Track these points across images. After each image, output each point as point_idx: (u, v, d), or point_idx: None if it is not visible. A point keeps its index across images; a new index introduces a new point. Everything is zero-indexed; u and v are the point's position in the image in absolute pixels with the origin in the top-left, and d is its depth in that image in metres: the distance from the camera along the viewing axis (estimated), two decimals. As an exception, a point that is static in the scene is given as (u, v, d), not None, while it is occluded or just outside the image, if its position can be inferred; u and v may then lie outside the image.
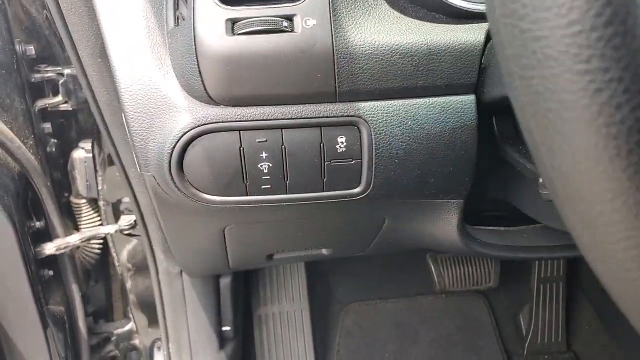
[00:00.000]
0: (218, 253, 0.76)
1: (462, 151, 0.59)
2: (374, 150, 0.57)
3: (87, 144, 1.06)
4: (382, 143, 0.57)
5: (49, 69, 0.97)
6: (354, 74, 0.53)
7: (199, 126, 0.54)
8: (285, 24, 0.51)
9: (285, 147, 0.56)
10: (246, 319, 1.37)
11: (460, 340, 1.47)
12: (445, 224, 0.67)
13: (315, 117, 0.55)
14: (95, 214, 1.11)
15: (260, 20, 0.50)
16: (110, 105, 0.69)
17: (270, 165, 0.56)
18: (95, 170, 1.06)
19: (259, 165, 0.56)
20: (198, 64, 0.52)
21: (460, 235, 0.68)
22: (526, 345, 1.48)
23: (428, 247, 0.74)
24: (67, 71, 0.98)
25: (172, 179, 0.56)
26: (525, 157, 0.56)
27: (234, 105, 0.54)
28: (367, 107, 0.56)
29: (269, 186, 0.58)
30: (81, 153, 1.06)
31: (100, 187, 1.07)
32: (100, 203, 1.09)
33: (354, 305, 1.50)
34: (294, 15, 0.51)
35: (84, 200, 1.10)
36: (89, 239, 1.05)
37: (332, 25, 0.51)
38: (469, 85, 0.57)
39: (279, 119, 0.55)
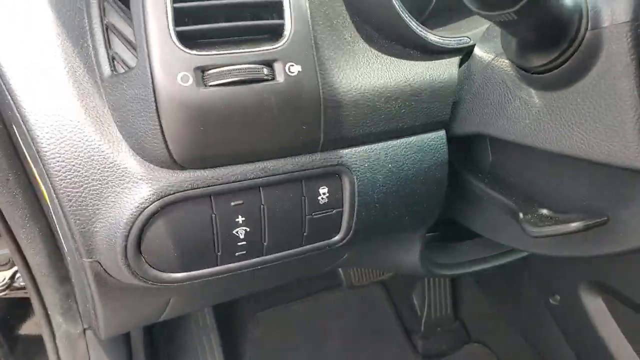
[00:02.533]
0: (153, 314, 0.65)
1: (434, 187, 0.57)
2: (356, 197, 0.52)
3: None
4: (364, 189, 0.52)
5: None
6: (340, 121, 0.48)
7: (161, 198, 0.43)
8: (265, 71, 0.43)
9: (264, 207, 0.48)
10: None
11: (366, 329, 1.52)
12: (408, 254, 0.66)
13: (297, 171, 0.48)
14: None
15: (237, 69, 0.41)
16: None
17: (248, 229, 0.48)
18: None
19: (234, 232, 0.48)
20: (160, 123, 0.41)
21: (421, 261, 0.67)
22: (422, 322, 1.59)
23: (386, 270, 0.73)
24: None
25: (128, 263, 0.45)
26: (501, 193, 0.56)
27: (203, 168, 0.45)
28: (349, 155, 0.51)
29: (244, 252, 0.50)
30: None
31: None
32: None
33: (261, 314, 1.46)
34: (274, 60, 0.43)
35: None
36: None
37: (318, 71, 0.45)
38: (442, 122, 0.55)
39: (257, 178, 0.47)
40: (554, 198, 0.52)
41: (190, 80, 0.40)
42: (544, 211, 0.52)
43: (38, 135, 0.41)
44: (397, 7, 0.48)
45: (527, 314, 1.31)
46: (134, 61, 0.43)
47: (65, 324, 0.81)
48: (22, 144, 0.44)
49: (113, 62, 0.43)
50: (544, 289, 1.31)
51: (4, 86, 0.42)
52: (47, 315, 0.79)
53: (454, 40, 0.53)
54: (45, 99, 0.41)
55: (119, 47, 0.44)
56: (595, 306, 1.16)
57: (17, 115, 0.42)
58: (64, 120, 0.42)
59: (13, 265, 0.88)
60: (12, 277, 0.86)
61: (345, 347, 1.49)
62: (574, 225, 0.46)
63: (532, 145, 0.47)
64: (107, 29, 0.44)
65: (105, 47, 0.43)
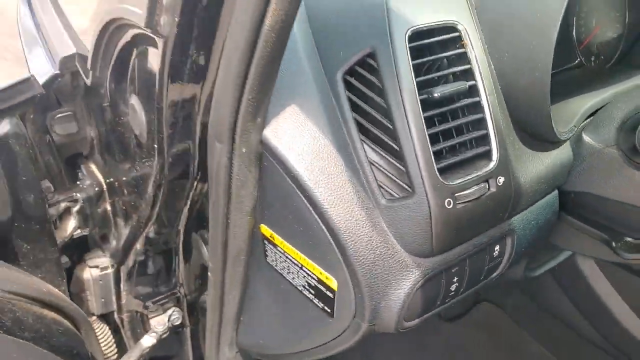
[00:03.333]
0: None
1: (549, 229, 0.82)
2: (514, 248, 0.76)
3: (97, 261, 0.94)
4: (519, 243, 0.76)
5: (61, 198, 0.82)
6: (517, 203, 0.70)
7: (424, 277, 0.64)
8: (485, 186, 0.64)
9: (467, 269, 0.70)
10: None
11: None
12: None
13: (487, 241, 0.71)
14: (108, 330, 1.01)
15: (475, 190, 0.62)
16: None
17: (458, 284, 0.70)
18: (117, 284, 0.96)
19: (450, 287, 0.70)
20: (431, 233, 0.61)
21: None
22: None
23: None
24: (79, 195, 0.85)
25: (397, 326, 0.66)
26: (594, 226, 0.82)
27: (443, 253, 0.66)
28: (514, 221, 0.73)
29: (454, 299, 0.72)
30: (94, 272, 0.94)
31: (124, 300, 0.97)
32: (124, 315, 0.99)
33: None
34: (490, 177, 0.64)
35: (94, 318, 0.99)
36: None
37: (512, 177, 0.66)
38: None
39: (466, 252, 0.68)
40: (635, 230, 0.78)
41: (452, 204, 0.61)
42: (629, 239, 0.78)
43: (348, 245, 0.60)
44: (552, 122, 0.69)
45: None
46: (399, 190, 0.62)
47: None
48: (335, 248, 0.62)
49: (383, 192, 0.62)
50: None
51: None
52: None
53: (569, 132, 0.75)
54: (358, 223, 0.60)
55: (381, 178, 0.62)
56: (589, 268, 1.48)
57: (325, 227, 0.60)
58: (364, 233, 0.61)
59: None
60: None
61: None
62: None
63: (628, 202, 0.73)
64: (371, 164, 0.62)
65: (375, 179, 0.62)
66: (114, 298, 0.97)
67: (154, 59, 0.55)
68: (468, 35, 0.66)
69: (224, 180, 0.59)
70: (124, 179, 0.80)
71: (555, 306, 1.62)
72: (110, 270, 0.95)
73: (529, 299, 1.71)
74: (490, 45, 0.68)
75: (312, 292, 0.69)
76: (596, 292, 1.46)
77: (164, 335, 1.00)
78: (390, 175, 0.62)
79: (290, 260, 0.70)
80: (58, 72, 0.73)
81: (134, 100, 0.65)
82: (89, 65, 0.67)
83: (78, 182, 0.86)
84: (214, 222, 0.68)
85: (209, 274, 0.79)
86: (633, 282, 1.27)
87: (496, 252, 0.73)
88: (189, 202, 0.75)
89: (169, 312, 1.03)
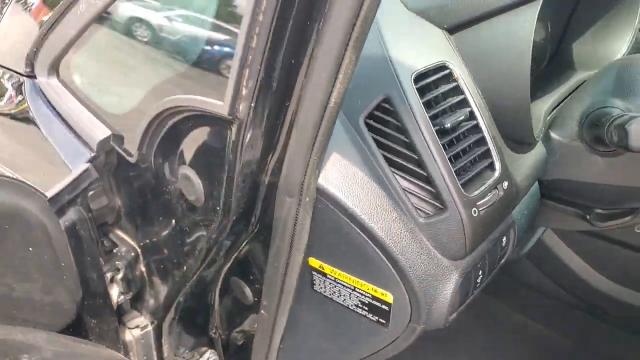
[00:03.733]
0: None
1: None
2: (517, 232, 0.91)
3: (136, 322, 0.98)
4: (519, 226, 0.91)
5: (105, 269, 0.86)
6: (518, 199, 0.85)
7: (462, 276, 0.77)
8: (496, 192, 0.78)
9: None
10: None
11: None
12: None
13: (499, 234, 0.85)
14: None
15: (491, 198, 0.76)
16: None
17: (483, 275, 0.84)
18: (159, 340, 1.00)
19: (477, 280, 0.83)
20: (465, 240, 0.74)
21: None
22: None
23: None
24: (120, 263, 0.89)
25: (445, 323, 0.78)
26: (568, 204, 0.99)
27: (471, 254, 0.79)
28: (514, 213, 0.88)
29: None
30: (135, 333, 0.98)
31: (165, 354, 1.02)
32: (167, 368, 1.03)
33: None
34: (498, 184, 0.78)
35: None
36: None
37: (512, 180, 0.81)
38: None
39: (486, 249, 0.82)
40: (603, 202, 0.96)
41: (477, 212, 0.74)
42: (599, 210, 0.96)
43: (400, 261, 0.71)
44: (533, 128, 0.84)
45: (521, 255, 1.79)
46: (432, 208, 0.74)
47: None
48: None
49: (417, 211, 0.74)
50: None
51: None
52: None
53: (540, 132, 0.91)
54: (405, 241, 0.71)
55: (415, 201, 0.74)
56: (551, 239, 1.69)
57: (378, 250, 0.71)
58: (412, 249, 0.72)
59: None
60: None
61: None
62: (627, 218, 0.91)
63: (595, 182, 0.90)
64: (404, 191, 0.74)
65: (411, 202, 0.74)
66: (154, 354, 1.02)
67: (219, 136, 0.63)
68: (457, 71, 0.79)
69: (291, 227, 0.68)
70: (164, 240, 0.86)
71: (527, 276, 1.82)
72: (150, 328, 0.99)
73: (503, 274, 1.90)
74: (475, 76, 0.82)
75: (366, 308, 0.80)
76: (560, 257, 1.66)
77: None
78: (423, 197, 0.74)
79: (341, 284, 0.79)
80: (96, 153, 0.78)
81: (188, 171, 0.72)
82: (136, 145, 0.73)
83: (115, 250, 0.90)
84: (274, 263, 0.76)
85: (261, 311, 0.87)
86: (592, 243, 1.49)
87: (504, 242, 0.88)
88: (238, 252, 0.83)
89: (206, 355, 1.09)
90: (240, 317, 1.03)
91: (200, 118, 0.65)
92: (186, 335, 1.04)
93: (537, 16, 0.78)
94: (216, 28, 0.59)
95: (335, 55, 0.54)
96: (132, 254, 0.91)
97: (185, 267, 0.86)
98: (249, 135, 0.59)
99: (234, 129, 0.60)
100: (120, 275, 0.89)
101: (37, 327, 0.68)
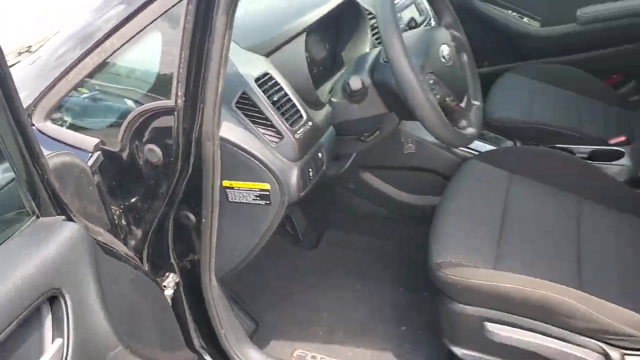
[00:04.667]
0: None
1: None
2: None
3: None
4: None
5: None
6: (321, 133, 1.67)
7: (300, 169, 1.56)
8: (308, 124, 1.59)
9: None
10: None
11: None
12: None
13: (314, 149, 1.67)
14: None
15: (302, 127, 1.57)
16: None
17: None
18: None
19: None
20: (296, 149, 1.53)
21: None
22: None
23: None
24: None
25: (298, 196, 1.56)
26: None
27: (301, 159, 1.58)
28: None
29: None
30: (126, 264, 1.60)
31: (147, 276, 1.64)
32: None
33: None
34: (308, 121, 1.60)
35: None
36: None
37: (313, 121, 1.63)
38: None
39: (310, 157, 1.63)
40: (364, 129, 1.83)
41: (298, 136, 1.54)
42: (366, 134, 1.84)
43: (270, 167, 1.49)
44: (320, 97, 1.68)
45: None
46: (277, 138, 1.52)
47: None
48: None
49: (270, 141, 1.52)
50: (344, 181, 2.63)
51: None
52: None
53: (326, 99, 1.76)
54: (271, 156, 1.49)
55: (269, 136, 1.52)
56: (368, 177, 2.56)
57: (259, 163, 1.47)
58: (273, 159, 1.50)
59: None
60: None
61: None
62: (377, 133, 1.80)
63: (360, 117, 1.78)
64: (264, 135, 1.52)
65: (266, 138, 1.52)
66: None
67: (168, 120, 1.35)
68: (274, 74, 1.60)
69: (211, 159, 1.41)
70: (141, 195, 1.51)
71: (359, 208, 2.66)
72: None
73: (341, 211, 2.71)
74: (284, 76, 1.63)
75: (257, 198, 1.54)
76: (378, 187, 2.54)
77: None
78: (272, 134, 1.52)
79: (242, 190, 1.53)
80: (92, 152, 1.43)
81: (152, 146, 1.41)
82: (119, 139, 1.41)
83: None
84: (207, 188, 1.47)
85: (202, 220, 1.55)
86: (394, 174, 2.43)
87: (320, 155, 1.69)
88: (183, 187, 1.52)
89: (170, 276, 1.73)
90: (189, 240, 1.69)
91: (158, 113, 1.35)
92: (155, 263, 1.67)
93: (304, 45, 1.63)
94: (161, 67, 1.32)
95: (218, 63, 1.29)
96: (118, 212, 1.54)
97: (153, 208, 1.52)
98: (183, 115, 1.32)
99: (176, 114, 1.32)
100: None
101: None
